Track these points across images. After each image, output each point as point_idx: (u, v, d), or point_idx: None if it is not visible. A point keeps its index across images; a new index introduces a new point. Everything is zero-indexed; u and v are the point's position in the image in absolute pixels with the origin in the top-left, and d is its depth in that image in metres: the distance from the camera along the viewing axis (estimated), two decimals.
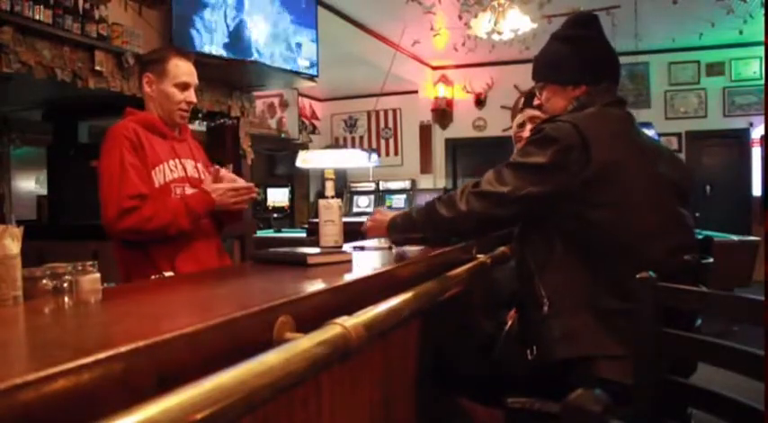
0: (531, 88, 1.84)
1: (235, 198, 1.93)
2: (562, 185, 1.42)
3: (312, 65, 4.68)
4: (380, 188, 8.52)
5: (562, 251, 1.47)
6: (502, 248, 1.99)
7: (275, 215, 8.02)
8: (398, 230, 1.68)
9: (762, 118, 7.02)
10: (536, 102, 1.78)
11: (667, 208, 1.49)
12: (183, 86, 1.96)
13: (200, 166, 2.05)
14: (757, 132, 7.31)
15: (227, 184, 1.94)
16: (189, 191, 1.94)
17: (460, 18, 5.48)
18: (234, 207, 1.95)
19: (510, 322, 1.86)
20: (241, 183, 1.98)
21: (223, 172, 1.98)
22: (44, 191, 5.53)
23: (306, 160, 5.25)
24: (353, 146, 8.95)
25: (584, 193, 1.41)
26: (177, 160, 1.96)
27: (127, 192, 1.78)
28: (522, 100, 2.25)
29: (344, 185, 8.60)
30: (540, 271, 1.50)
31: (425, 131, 8.46)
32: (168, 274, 1.80)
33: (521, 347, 1.54)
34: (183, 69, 1.97)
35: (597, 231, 1.42)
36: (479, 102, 8.35)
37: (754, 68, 7.33)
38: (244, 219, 2.08)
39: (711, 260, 1.50)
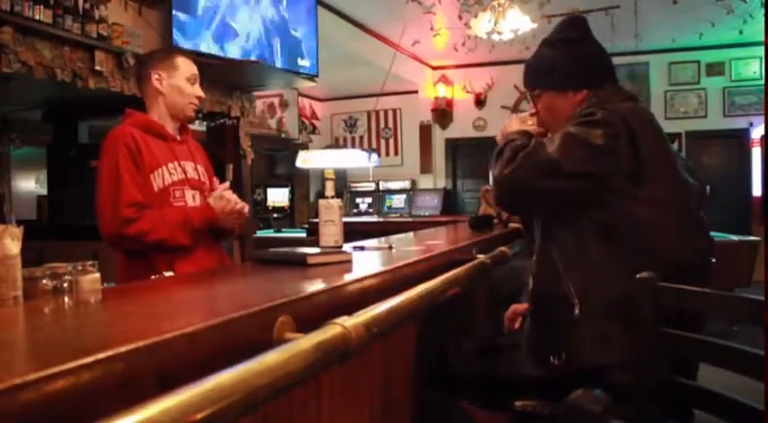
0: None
1: (235, 215, 1.97)
2: (608, 171, 1.39)
3: (312, 65, 4.68)
4: (380, 188, 8.53)
5: (595, 248, 1.42)
6: (502, 248, 1.98)
7: (275, 215, 8.02)
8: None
9: (762, 118, 7.01)
10: (530, 110, 1.72)
11: (690, 210, 1.49)
12: (194, 80, 2.03)
13: (200, 167, 2.05)
14: (757, 132, 7.31)
15: (232, 200, 1.96)
16: (189, 193, 1.96)
17: (460, 18, 5.47)
18: (234, 224, 2.00)
19: (518, 325, 1.83)
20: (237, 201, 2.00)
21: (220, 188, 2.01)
22: (44, 191, 5.54)
23: (306, 160, 5.24)
24: (353, 146, 8.94)
25: (631, 187, 1.39)
26: (176, 163, 1.96)
27: (124, 200, 1.78)
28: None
29: (344, 185, 8.60)
30: (568, 270, 1.44)
31: (425, 131, 8.46)
32: (168, 274, 1.80)
33: (543, 353, 1.46)
34: (190, 64, 2.05)
35: (637, 228, 1.40)
36: (479, 102, 8.35)
37: (754, 68, 7.33)
38: (234, 233, 2.11)
39: (713, 260, 1.50)
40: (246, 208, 2.01)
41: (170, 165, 1.94)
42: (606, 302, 1.39)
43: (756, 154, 7.32)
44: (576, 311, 1.40)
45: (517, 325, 1.86)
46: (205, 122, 4.58)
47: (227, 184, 2.05)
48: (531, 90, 1.69)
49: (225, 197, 1.95)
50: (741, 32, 6.17)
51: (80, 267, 0.94)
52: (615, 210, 1.41)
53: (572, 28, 1.65)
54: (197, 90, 2.03)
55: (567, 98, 1.59)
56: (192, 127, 2.16)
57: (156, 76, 1.98)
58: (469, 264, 1.63)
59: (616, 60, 1.71)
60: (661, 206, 1.41)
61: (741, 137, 7.46)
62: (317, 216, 1.52)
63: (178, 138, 2.04)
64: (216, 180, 2.10)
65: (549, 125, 1.66)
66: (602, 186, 1.41)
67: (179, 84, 1.99)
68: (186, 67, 2.02)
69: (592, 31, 1.64)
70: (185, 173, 1.98)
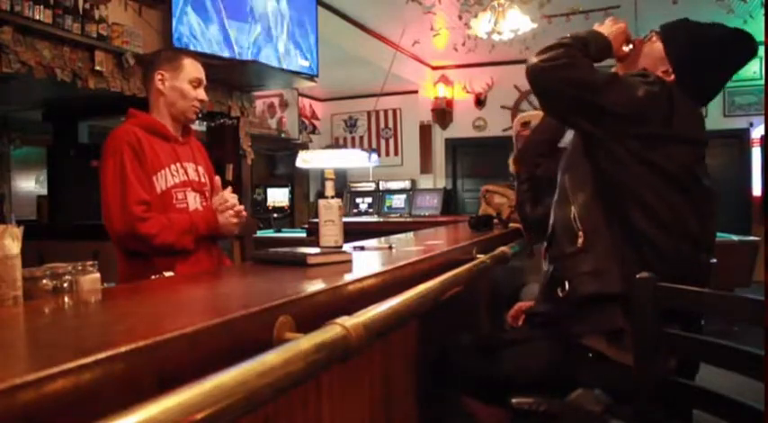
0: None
1: (236, 220, 1.98)
2: (632, 120, 1.44)
3: (312, 65, 4.68)
4: (380, 188, 8.53)
5: (599, 190, 1.49)
6: (502, 248, 1.98)
7: (275, 215, 8.02)
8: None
9: (762, 118, 7.01)
10: (640, 43, 1.69)
11: (702, 206, 1.53)
12: (197, 83, 2.00)
13: (200, 168, 2.05)
14: (757, 132, 7.31)
15: (233, 205, 1.97)
16: (191, 195, 1.96)
17: (460, 18, 5.48)
18: (234, 231, 2.02)
19: (521, 322, 1.84)
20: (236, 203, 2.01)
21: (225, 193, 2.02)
22: (44, 191, 5.54)
23: (306, 160, 5.24)
24: (353, 146, 8.94)
25: (643, 147, 1.44)
26: (179, 164, 1.96)
27: (132, 198, 1.79)
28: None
29: (344, 185, 8.60)
30: (574, 194, 1.52)
31: (425, 131, 8.46)
32: (168, 274, 1.80)
33: (552, 288, 1.54)
34: (196, 67, 2.02)
35: (635, 187, 1.44)
36: (479, 102, 8.35)
37: (754, 68, 7.32)
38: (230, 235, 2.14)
39: (714, 260, 1.50)
40: (244, 212, 2.02)
41: (172, 166, 1.94)
42: (602, 239, 1.46)
43: (756, 154, 7.31)
44: (580, 242, 1.47)
45: (521, 322, 1.87)
46: (205, 122, 4.58)
47: (230, 188, 2.06)
48: (660, 30, 1.70)
49: (224, 197, 1.96)
50: None
51: (80, 267, 0.94)
52: (621, 166, 1.45)
53: (737, 47, 1.65)
54: (200, 93, 2.01)
55: (659, 62, 1.61)
56: (191, 127, 2.15)
57: (159, 76, 1.97)
58: (469, 264, 1.63)
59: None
60: (667, 180, 1.46)
61: (741, 137, 7.45)
62: (317, 216, 1.52)
63: (180, 138, 2.03)
64: (217, 179, 2.10)
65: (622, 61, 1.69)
66: (617, 132, 1.45)
67: (181, 85, 1.97)
68: (192, 69, 2.00)
69: (747, 61, 1.64)
70: (187, 174, 1.98)
